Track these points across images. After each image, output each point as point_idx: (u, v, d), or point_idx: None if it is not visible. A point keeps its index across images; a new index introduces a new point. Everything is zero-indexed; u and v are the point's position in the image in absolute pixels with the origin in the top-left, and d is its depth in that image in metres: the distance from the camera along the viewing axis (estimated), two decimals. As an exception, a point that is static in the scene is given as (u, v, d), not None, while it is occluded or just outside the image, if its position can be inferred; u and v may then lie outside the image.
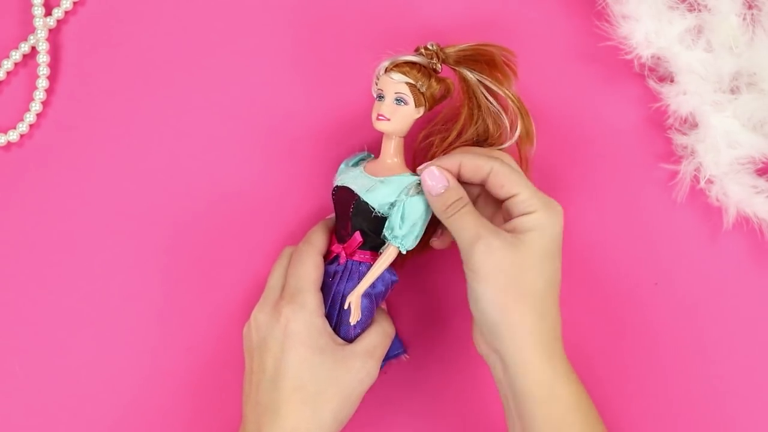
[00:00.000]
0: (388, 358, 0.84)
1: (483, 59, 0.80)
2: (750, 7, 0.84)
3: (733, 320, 0.86)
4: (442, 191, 0.77)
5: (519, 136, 0.81)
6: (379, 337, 0.79)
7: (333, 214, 0.83)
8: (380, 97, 0.78)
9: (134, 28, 0.88)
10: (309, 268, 0.79)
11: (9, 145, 0.88)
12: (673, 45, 0.83)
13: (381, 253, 0.79)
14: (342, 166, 0.83)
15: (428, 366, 0.86)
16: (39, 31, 0.87)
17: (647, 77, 0.85)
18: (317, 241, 0.80)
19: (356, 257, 0.80)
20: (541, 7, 0.87)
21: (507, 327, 0.75)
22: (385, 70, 0.78)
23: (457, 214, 0.76)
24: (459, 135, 0.81)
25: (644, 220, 0.87)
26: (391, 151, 0.80)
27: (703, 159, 0.84)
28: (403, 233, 0.78)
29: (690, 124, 0.85)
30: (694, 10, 0.84)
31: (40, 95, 0.87)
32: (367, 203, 0.78)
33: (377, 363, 0.78)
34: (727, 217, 0.85)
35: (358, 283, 0.79)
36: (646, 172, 0.87)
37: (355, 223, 0.79)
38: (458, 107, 0.81)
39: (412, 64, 0.78)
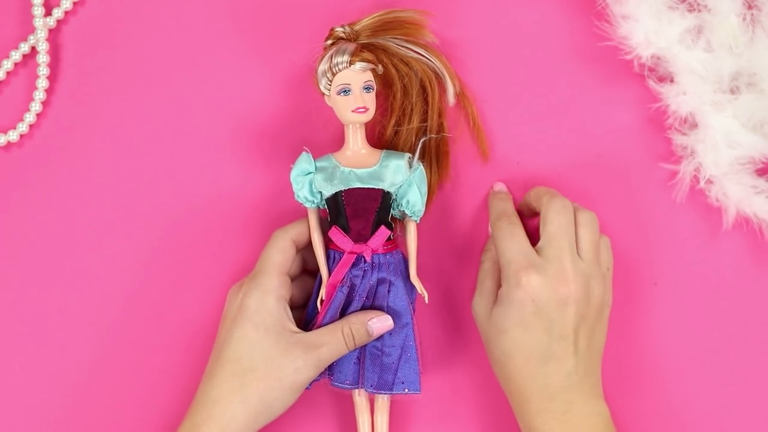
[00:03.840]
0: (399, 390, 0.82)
1: (390, 27, 0.83)
2: (750, 7, 0.84)
3: (733, 320, 0.86)
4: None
5: (456, 92, 0.84)
6: (331, 335, 0.79)
7: (308, 220, 0.83)
8: (345, 91, 0.79)
9: (134, 28, 0.88)
10: (273, 251, 0.81)
11: (9, 145, 0.88)
12: (673, 45, 0.83)
13: (404, 235, 0.82)
14: (304, 175, 0.82)
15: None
16: (39, 32, 0.87)
17: (647, 77, 0.85)
18: (293, 228, 0.82)
19: (381, 250, 0.81)
20: (541, 7, 0.87)
21: None
22: (349, 63, 0.79)
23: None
24: (411, 110, 0.84)
25: (644, 220, 0.87)
26: (364, 139, 0.82)
27: (702, 159, 0.84)
28: (423, 206, 0.81)
29: (690, 124, 0.85)
30: (694, 10, 0.84)
31: (39, 95, 0.87)
32: (390, 193, 0.81)
33: (319, 359, 0.79)
34: (727, 217, 0.85)
35: (392, 272, 0.81)
36: (646, 172, 0.87)
37: (379, 218, 0.81)
38: (390, 79, 0.83)
39: (362, 51, 0.80)
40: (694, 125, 0.84)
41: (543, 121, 0.87)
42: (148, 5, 0.88)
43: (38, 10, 0.87)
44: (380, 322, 0.80)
